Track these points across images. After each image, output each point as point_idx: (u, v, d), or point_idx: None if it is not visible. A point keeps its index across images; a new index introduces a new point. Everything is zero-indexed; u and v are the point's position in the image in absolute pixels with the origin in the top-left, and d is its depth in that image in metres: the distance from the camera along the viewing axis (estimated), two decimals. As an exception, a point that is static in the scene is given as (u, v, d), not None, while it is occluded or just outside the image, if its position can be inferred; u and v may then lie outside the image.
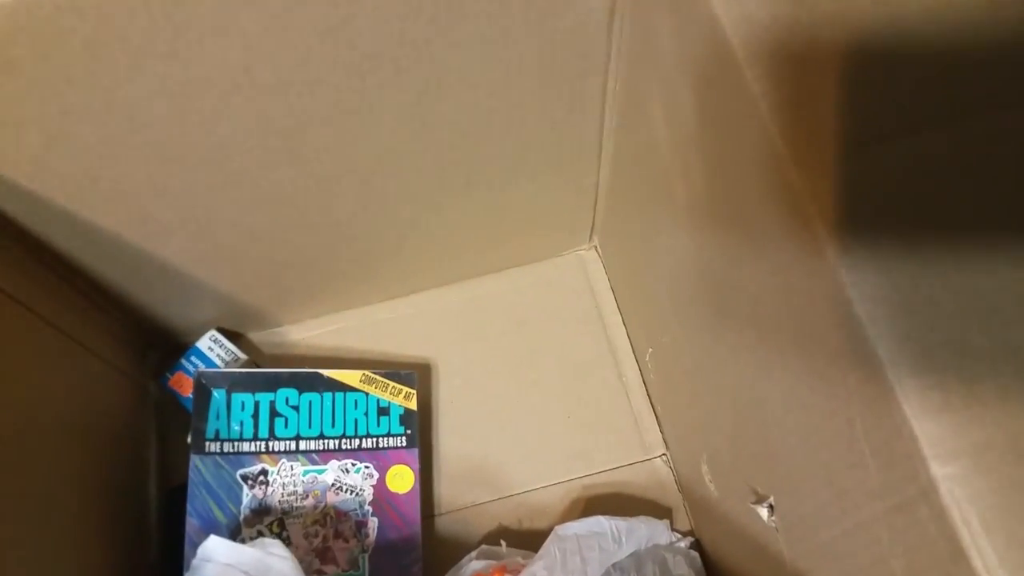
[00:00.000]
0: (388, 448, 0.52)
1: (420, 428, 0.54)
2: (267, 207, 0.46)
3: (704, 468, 0.44)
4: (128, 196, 0.42)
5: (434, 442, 0.56)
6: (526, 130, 0.47)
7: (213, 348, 0.57)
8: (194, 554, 0.43)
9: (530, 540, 0.50)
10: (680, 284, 0.40)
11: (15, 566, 0.38)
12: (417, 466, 0.51)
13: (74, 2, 0.32)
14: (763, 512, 0.34)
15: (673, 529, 0.48)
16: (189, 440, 0.50)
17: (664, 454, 0.54)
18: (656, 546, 0.45)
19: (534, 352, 0.59)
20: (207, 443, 0.49)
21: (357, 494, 0.50)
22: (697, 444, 0.45)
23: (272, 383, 0.51)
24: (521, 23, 0.39)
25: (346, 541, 0.49)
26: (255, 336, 0.61)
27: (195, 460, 0.48)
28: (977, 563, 0.19)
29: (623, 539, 0.44)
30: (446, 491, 0.54)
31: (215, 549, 0.41)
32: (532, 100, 0.45)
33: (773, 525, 0.33)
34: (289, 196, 0.46)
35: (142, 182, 0.41)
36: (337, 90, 0.39)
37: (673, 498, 0.52)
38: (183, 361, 0.56)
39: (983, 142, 0.23)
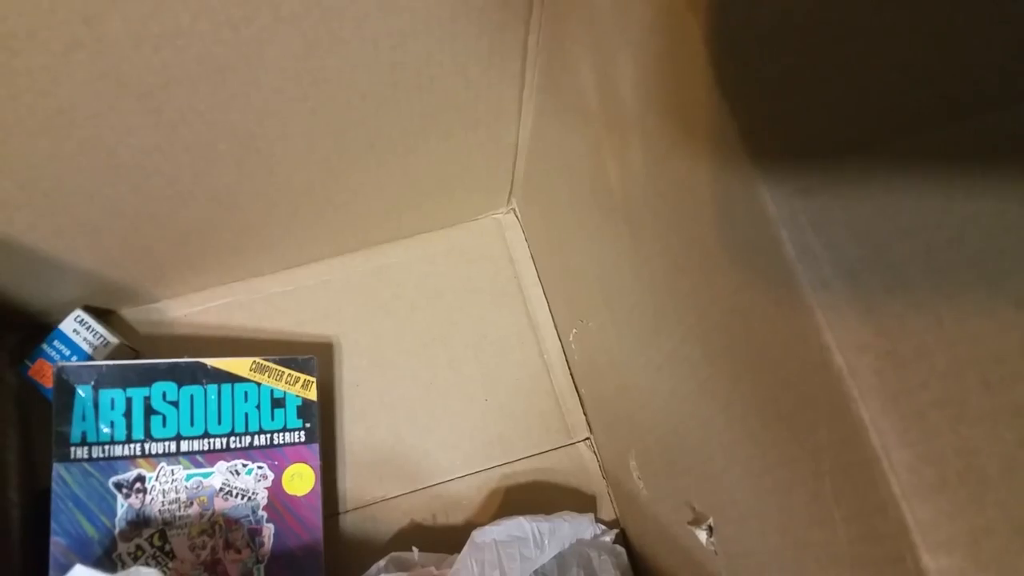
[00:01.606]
0: (284, 444, 0.46)
1: (321, 416, 0.48)
2: (128, 178, 0.39)
3: (632, 464, 0.41)
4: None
5: (337, 431, 0.51)
6: (436, 86, 0.41)
7: (79, 331, 0.49)
8: (57, 581, 0.38)
9: (446, 538, 0.47)
10: (611, 275, 0.36)
11: None
12: (318, 463, 0.46)
13: None
14: (701, 535, 0.30)
15: (598, 520, 0.45)
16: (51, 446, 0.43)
17: (588, 438, 0.51)
18: (580, 542, 0.43)
19: (448, 327, 0.54)
20: (72, 448, 0.42)
21: (249, 499, 0.45)
22: (624, 437, 0.42)
23: (147, 376, 0.45)
24: None
25: (238, 552, 0.44)
26: (128, 313, 0.53)
27: (58, 469, 0.42)
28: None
29: (545, 542, 0.41)
30: (352, 485, 0.50)
31: (78, 582, 0.35)
32: (442, 53, 0.39)
33: (712, 548, 0.30)
34: (154, 165, 0.39)
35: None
36: (202, 43, 0.32)
37: (597, 485, 0.50)
38: (44, 347, 0.49)
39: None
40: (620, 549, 0.44)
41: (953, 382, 0.18)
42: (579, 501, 0.49)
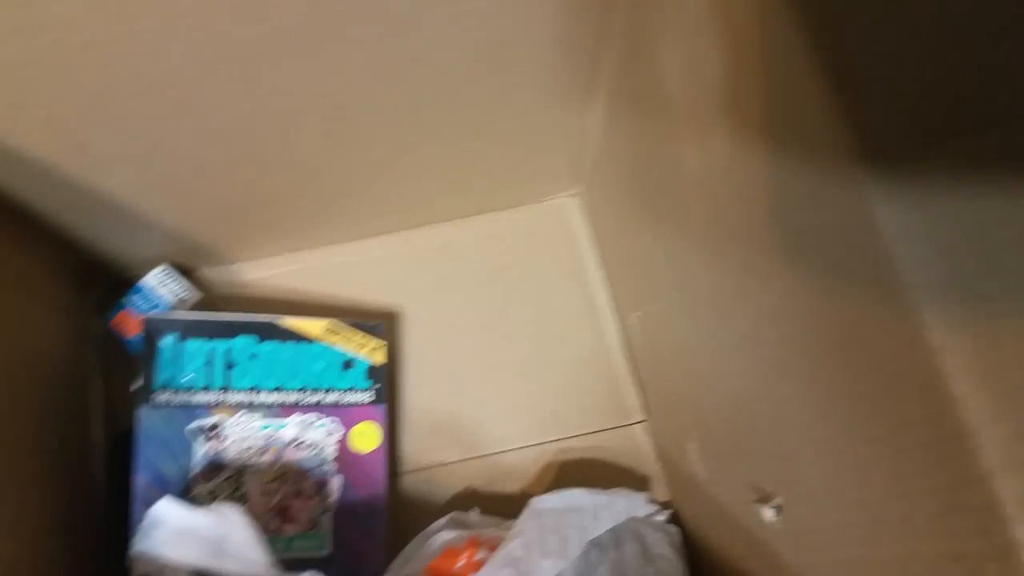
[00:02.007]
0: (353, 404, 0.48)
1: (387, 384, 0.50)
2: (220, 141, 0.41)
3: (692, 447, 0.42)
4: (60, 124, 0.36)
5: (400, 396, 0.53)
6: (513, 67, 0.42)
7: (163, 285, 0.52)
8: (143, 513, 0.40)
9: (500, 504, 0.48)
10: (682, 259, 0.37)
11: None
12: (384, 423, 0.48)
13: None
14: (767, 512, 0.32)
15: (651, 501, 0.46)
16: (134, 389, 0.45)
17: (643, 420, 0.52)
18: (634, 519, 0.44)
19: (509, 304, 0.56)
20: (155, 393, 0.45)
21: (319, 451, 0.47)
22: (685, 422, 0.43)
23: (228, 330, 0.47)
24: None
25: (307, 500, 0.46)
26: (206, 272, 0.56)
27: (143, 411, 0.44)
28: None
29: (602, 514, 0.42)
30: (412, 448, 0.51)
31: (167, 512, 0.38)
32: (521, 34, 0.40)
33: (776, 527, 0.31)
34: (245, 130, 0.41)
35: (76, 109, 0.36)
36: (304, 16, 0.33)
37: (650, 467, 0.51)
38: (127, 299, 0.51)
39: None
40: (674, 528, 0.45)
41: (1050, 365, 0.18)
42: (631, 481, 0.50)
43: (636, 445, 0.51)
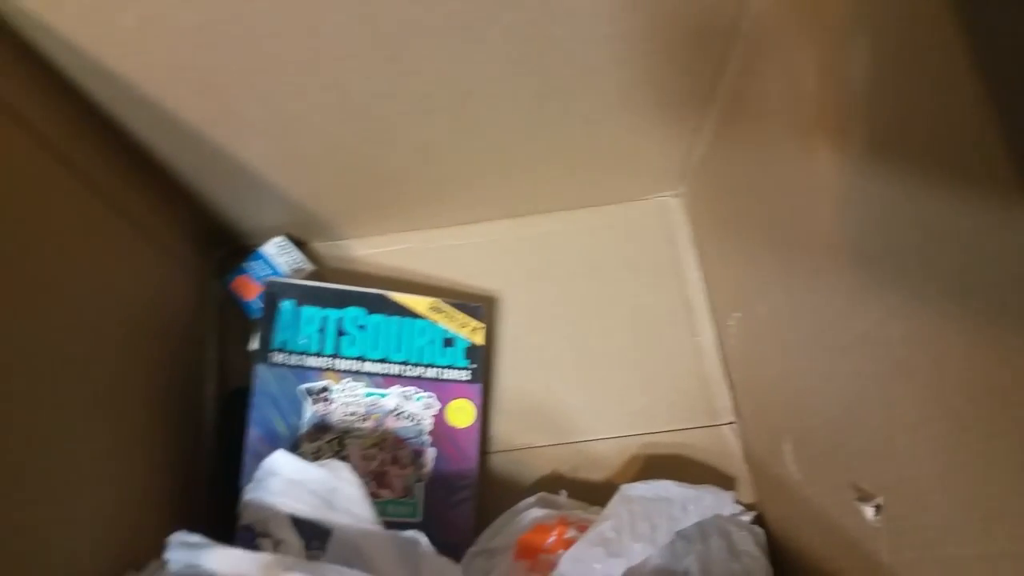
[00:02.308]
0: (451, 380, 0.50)
1: (484, 365, 0.52)
2: (355, 119, 0.43)
3: (787, 448, 0.42)
4: (216, 90, 0.39)
5: (494, 378, 0.54)
6: (640, 63, 0.43)
7: (280, 253, 0.55)
8: (255, 464, 0.43)
9: (585, 490, 0.49)
10: (797, 258, 0.37)
11: (88, 460, 0.37)
12: (480, 401, 0.50)
13: None
14: (868, 511, 0.32)
15: (737, 502, 0.46)
16: (253, 347, 0.49)
17: (733, 422, 0.52)
18: (720, 517, 0.44)
19: (604, 298, 0.57)
20: (272, 353, 0.48)
21: (417, 423, 0.49)
22: (781, 422, 0.43)
23: (341, 300, 0.50)
24: None
25: (403, 468, 0.48)
26: (319, 246, 0.59)
27: (260, 369, 0.47)
28: None
29: (689, 507, 0.43)
30: (502, 430, 0.53)
31: (282, 463, 0.40)
32: (652, 32, 0.41)
33: (877, 526, 0.31)
34: (380, 110, 0.43)
35: (232, 77, 0.39)
36: (449, 2, 0.35)
37: (737, 468, 0.51)
38: (247, 264, 0.55)
39: None
40: (759, 529, 0.45)
41: None
42: (717, 481, 0.50)
43: (724, 446, 0.52)
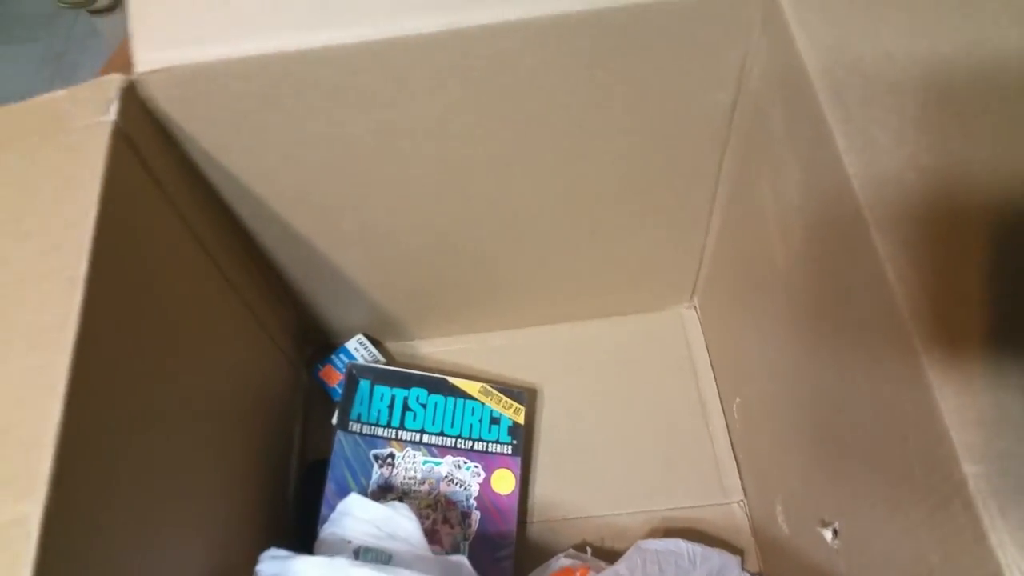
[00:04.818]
0: (496, 453, 0.59)
1: (524, 439, 0.61)
2: (430, 232, 0.56)
3: (778, 509, 0.49)
4: (329, 210, 0.52)
5: (533, 458, 0.63)
6: (650, 196, 0.55)
7: (359, 349, 0.66)
8: (329, 512, 0.52)
9: (611, 557, 0.56)
10: (770, 339, 0.47)
11: (202, 495, 0.47)
12: (519, 472, 0.59)
13: (325, 54, 0.42)
14: (828, 535, 0.39)
15: (744, 568, 0.53)
16: (334, 420, 0.59)
17: (741, 500, 0.59)
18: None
19: (629, 393, 0.66)
20: (351, 423, 0.58)
21: (465, 488, 0.58)
22: (774, 486, 0.51)
23: (407, 381, 0.60)
24: (658, 110, 0.47)
25: (452, 527, 0.56)
26: (391, 346, 0.70)
27: (340, 436, 0.57)
28: (993, 540, 0.25)
29: (697, 562, 0.50)
30: (539, 502, 0.61)
31: (353, 504, 0.49)
32: (659, 172, 0.53)
33: (835, 547, 0.39)
34: (449, 225, 0.55)
35: (342, 200, 0.51)
36: (505, 144, 0.48)
37: (746, 541, 0.57)
38: (333, 357, 0.66)
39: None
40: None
41: None
42: (728, 550, 0.57)
43: (734, 521, 0.58)
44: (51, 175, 0.37)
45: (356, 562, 0.42)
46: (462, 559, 0.46)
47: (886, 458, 0.32)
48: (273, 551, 0.44)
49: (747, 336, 0.54)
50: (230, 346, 0.53)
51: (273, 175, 0.49)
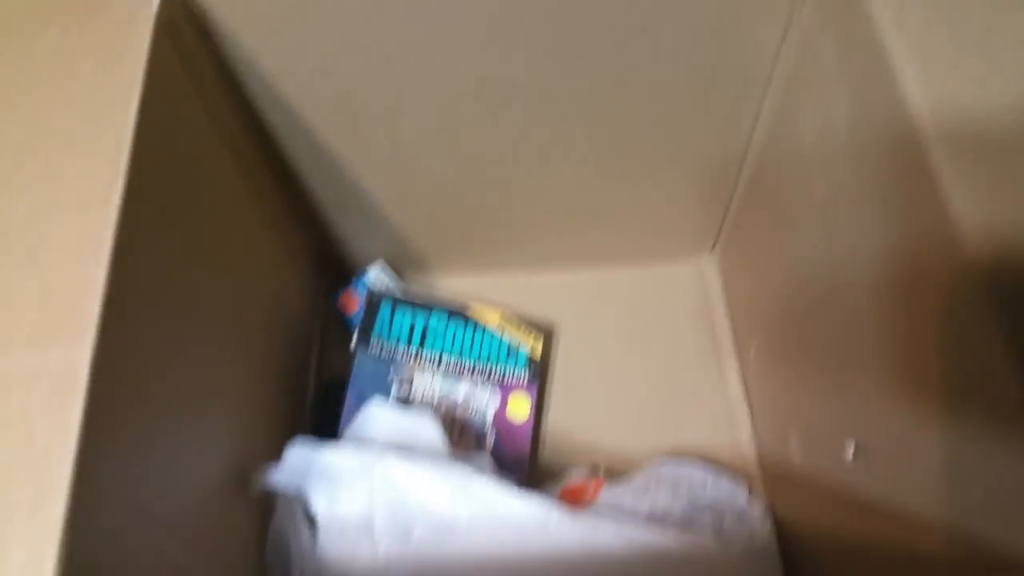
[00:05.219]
0: (512, 381, 0.60)
1: (540, 371, 0.62)
2: (459, 158, 0.56)
3: (792, 440, 0.50)
4: (361, 126, 0.52)
5: (548, 393, 0.64)
6: (686, 134, 0.55)
7: (381, 277, 0.67)
8: (349, 423, 0.53)
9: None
10: (798, 276, 0.48)
11: (228, 395, 0.48)
12: (534, 400, 0.60)
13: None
14: (849, 452, 0.40)
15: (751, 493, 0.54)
16: (353, 342, 0.60)
17: (749, 439, 0.60)
18: (733, 496, 0.52)
19: (644, 338, 0.66)
20: (371, 343, 0.59)
21: (481, 412, 0.58)
22: (788, 422, 0.52)
23: (427, 306, 0.61)
24: (702, 44, 0.47)
25: (467, 447, 0.57)
26: (410, 278, 0.71)
27: (360, 355, 0.58)
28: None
29: (709, 483, 0.51)
30: (552, 433, 0.62)
31: (376, 411, 0.50)
32: (697, 110, 0.53)
33: (853, 464, 0.40)
34: (478, 152, 0.55)
35: (376, 115, 0.52)
36: (543, 70, 0.48)
37: (752, 474, 0.58)
38: (352, 284, 0.67)
39: None
40: (765, 511, 0.52)
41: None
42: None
43: (742, 456, 0.59)
44: (94, 51, 0.37)
45: (385, 451, 0.43)
46: (484, 454, 0.47)
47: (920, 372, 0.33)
48: (300, 441, 0.45)
49: (772, 280, 0.55)
50: (254, 256, 0.54)
51: (309, 83, 0.49)
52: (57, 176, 0.33)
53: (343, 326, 0.66)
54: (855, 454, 0.40)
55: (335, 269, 0.70)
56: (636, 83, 0.50)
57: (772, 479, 0.56)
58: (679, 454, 0.60)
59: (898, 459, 0.35)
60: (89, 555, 0.28)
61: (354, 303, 0.66)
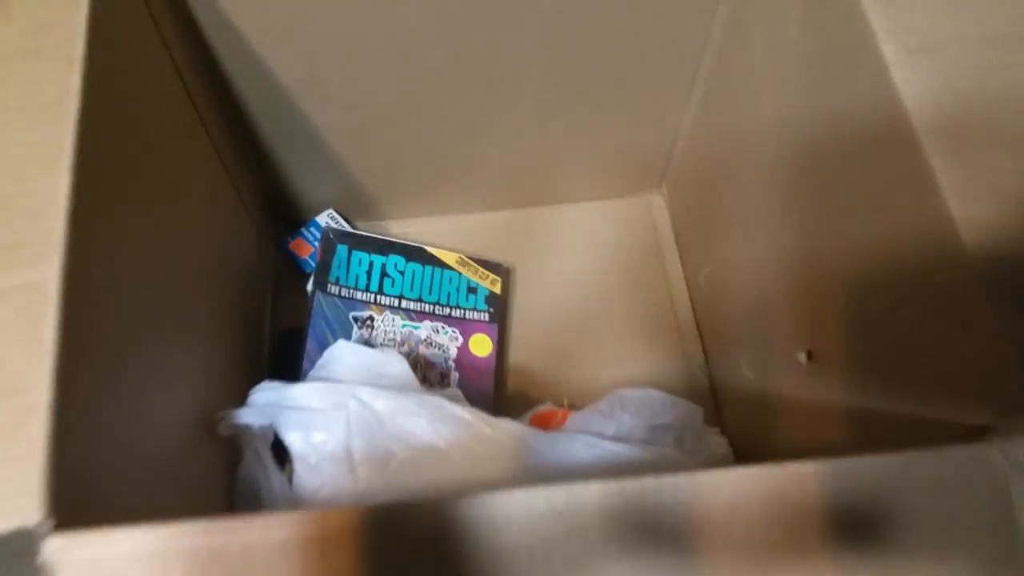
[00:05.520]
0: (473, 320, 0.60)
1: (500, 308, 0.62)
2: (412, 91, 0.55)
3: (743, 361, 0.52)
4: (311, 56, 0.51)
5: (509, 330, 0.65)
6: (634, 63, 0.55)
7: (329, 224, 0.66)
8: (311, 367, 0.52)
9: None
10: (753, 193, 0.49)
11: (183, 346, 0.46)
12: (496, 337, 0.60)
13: None
14: (801, 357, 0.42)
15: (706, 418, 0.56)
16: (310, 285, 0.59)
17: (702, 367, 0.62)
18: (691, 420, 0.54)
19: (599, 272, 0.68)
20: (329, 285, 0.58)
21: (444, 351, 0.59)
22: (740, 341, 0.54)
23: (385, 248, 0.61)
24: None
25: (431, 386, 0.57)
26: (360, 224, 0.70)
27: (319, 296, 0.57)
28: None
29: (668, 408, 0.53)
30: (514, 370, 0.63)
31: (342, 349, 0.50)
32: (644, 36, 0.53)
33: (809, 371, 0.42)
34: (433, 87, 0.55)
35: (327, 45, 0.50)
36: (497, 8, 0.48)
37: (707, 403, 0.61)
38: (303, 230, 0.66)
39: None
40: (723, 436, 0.55)
41: None
42: (692, 409, 0.60)
43: (695, 385, 0.62)
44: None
45: (358, 384, 0.43)
46: (455, 391, 0.48)
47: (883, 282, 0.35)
48: (266, 383, 0.44)
49: (723, 203, 0.56)
50: (205, 197, 0.52)
51: (260, 15, 0.48)
52: (3, 87, 0.31)
53: (296, 272, 0.65)
54: (809, 359, 0.42)
55: (285, 215, 0.68)
56: (585, 22, 0.50)
57: (725, 402, 0.58)
58: (638, 384, 0.62)
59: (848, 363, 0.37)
60: (71, 479, 0.27)
61: (306, 247, 0.65)
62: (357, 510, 0.24)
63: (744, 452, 0.54)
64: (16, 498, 0.25)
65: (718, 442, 0.52)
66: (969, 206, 0.28)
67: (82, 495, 0.29)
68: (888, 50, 0.32)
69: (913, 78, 0.31)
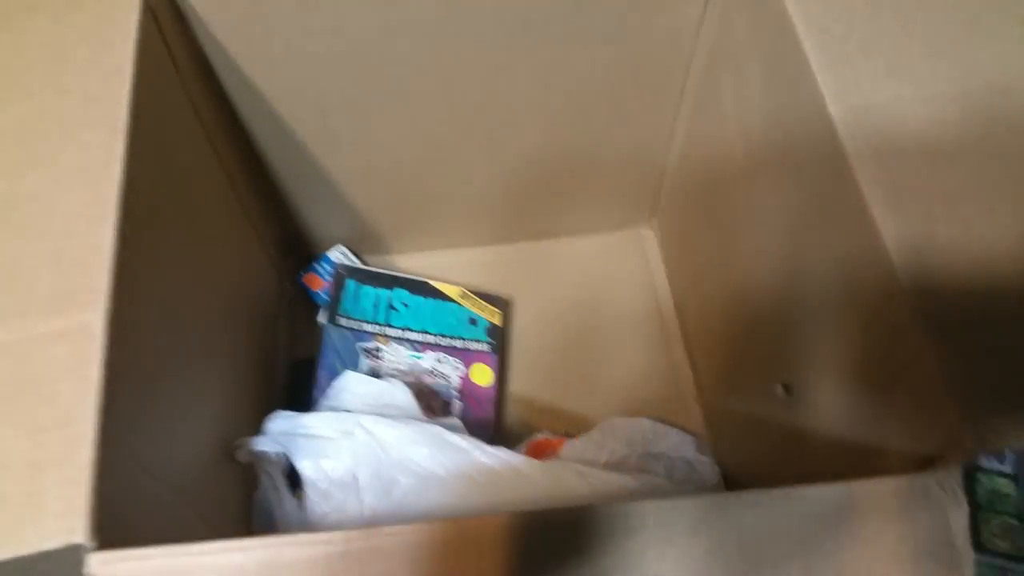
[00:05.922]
0: (474, 351, 0.64)
1: (500, 340, 0.66)
2: (415, 137, 0.59)
3: (730, 391, 0.55)
4: (323, 108, 0.55)
5: (509, 360, 0.68)
6: (619, 108, 0.59)
7: (340, 259, 0.69)
8: (322, 396, 0.56)
9: (578, 441, 0.62)
10: (728, 231, 0.53)
11: (207, 376, 0.50)
12: (496, 367, 0.63)
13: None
14: (779, 390, 0.45)
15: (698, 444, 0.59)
16: (322, 317, 0.62)
17: (695, 395, 0.65)
18: (681, 449, 0.57)
19: (594, 303, 0.71)
20: (339, 317, 0.61)
21: (447, 380, 0.62)
22: (728, 370, 0.57)
23: (391, 283, 0.64)
24: (628, 23, 0.51)
25: (434, 414, 0.61)
26: (369, 259, 0.74)
27: (329, 329, 0.61)
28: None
29: (660, 436, 0.56)
30: (514, 399, 0.66)
31: (350, 380, 0.53)
32: (629, 85, 0.57)
33: (788, 402, 0.45)
34: (432, 130, 0.58)
35: (338, 98, 0.54)
36: (492, 50, 0.52)
37: (699, 432, 0.63)
38: (316, 264, 0.69)
39: None
40: (714, 464, 0.58)
41: None
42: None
43: (688, 414, 0.65)
44: (84, 39, 0.39)
45: (365, 414, 0.46)
46: (455, 420, 0.51)
47: (842, 318, 0.38)
48: (280, 412, 0.48)
49: (704, 239, 0.60)
50: (228, 237, 0.56)
51: (274, 66, 0.51)
52: (59, 155, 0.35)
53: (309, 304, 0.68)
54: (787, 392, 0.45)
55: (298, 252, 0.72)
56: (574, 59, 0.54)
57: (716, 430, 0.61)
58: (631, 413, 0.65)
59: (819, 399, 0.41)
60: (110, 503, 0.31)
61: (318, 281, 0.68)
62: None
63: (736, 480, 0.57)
64: (67, 519, 0.28)
65: (710, 474, 0.55)
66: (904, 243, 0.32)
67: (119, 516, 0.32)
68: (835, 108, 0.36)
69: (857, 134, 0.35)
